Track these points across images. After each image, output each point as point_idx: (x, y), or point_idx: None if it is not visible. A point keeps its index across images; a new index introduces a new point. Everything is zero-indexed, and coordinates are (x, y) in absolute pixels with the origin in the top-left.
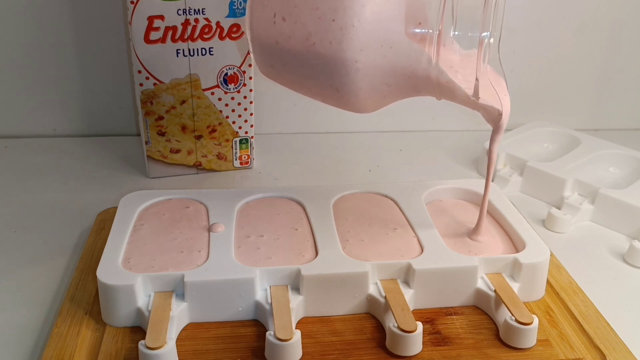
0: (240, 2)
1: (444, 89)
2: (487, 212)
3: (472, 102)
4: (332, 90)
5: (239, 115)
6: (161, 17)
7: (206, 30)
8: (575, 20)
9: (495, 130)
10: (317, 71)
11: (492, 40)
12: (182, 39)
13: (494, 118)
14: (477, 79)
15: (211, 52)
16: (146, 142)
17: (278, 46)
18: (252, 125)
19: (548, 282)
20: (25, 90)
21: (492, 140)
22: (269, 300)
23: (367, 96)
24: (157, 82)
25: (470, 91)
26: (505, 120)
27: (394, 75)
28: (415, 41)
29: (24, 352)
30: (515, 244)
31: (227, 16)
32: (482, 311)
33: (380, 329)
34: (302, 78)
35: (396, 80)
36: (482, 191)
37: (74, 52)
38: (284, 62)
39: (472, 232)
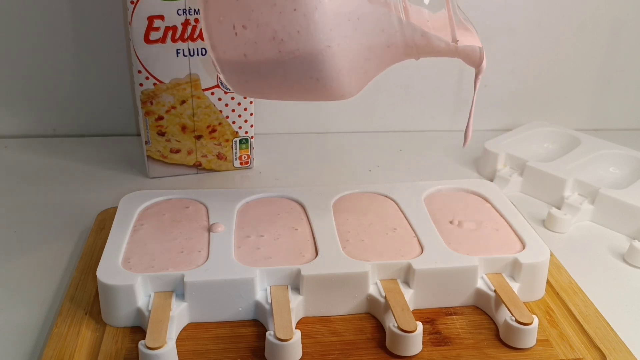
0: None
1: (421, 46)
2: (489, 210)
3: (452, 49)
4: (313, 82)
5: (239, 115)
6: (161, 17)
7: None
8: (575, 20)
9: (478, 72)
10: (293, 68)
11: None
12: (182, 39)
13: (475, 58)
14: (451, 20)
15: None
16: (146, 142)
17: (247, 58)
18: (252, 125)
19: (548, 282)
20: (25, 90)
21: (475, 81)
22: (269, 300)
23: (349, 77)
24: (157, 82)
25: (448, 38)
26: (484, 59)
27: (370, 47)
28: (380, 7)
29: (24, 352)
30: (516, 242)
31: None
32: (482, 311)
33: (380, 329)
34: (281, 82)
35: (374, 52)
36: (482, 191)
37: (74, 52)
38: (257, 73)
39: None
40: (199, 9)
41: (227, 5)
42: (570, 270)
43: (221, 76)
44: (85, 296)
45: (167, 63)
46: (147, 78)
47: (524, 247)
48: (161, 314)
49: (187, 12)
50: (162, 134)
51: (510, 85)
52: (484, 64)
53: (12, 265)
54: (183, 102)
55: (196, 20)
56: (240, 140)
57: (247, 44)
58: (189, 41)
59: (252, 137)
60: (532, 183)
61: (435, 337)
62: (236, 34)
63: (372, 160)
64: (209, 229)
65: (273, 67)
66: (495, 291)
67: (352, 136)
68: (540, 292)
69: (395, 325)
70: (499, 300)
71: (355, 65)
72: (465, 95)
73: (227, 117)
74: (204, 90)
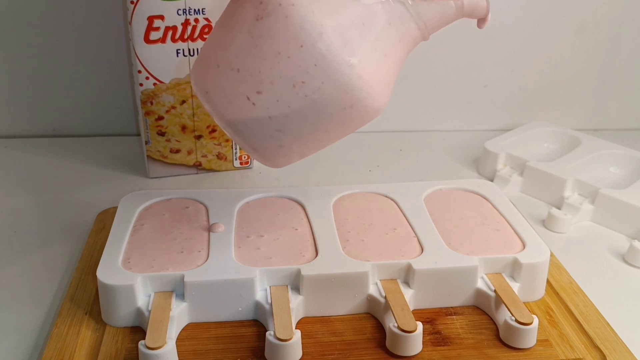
0: None
1: (429, 19)
2: (489, 210)
3: (459, 10)
4: (348, 111)
5: None
6: (161, 17)
7: (206, 30)
8: (575, 20)
9: (483, 21)
10: (325, 107)
11: None
12: (182, 39)
13: (482, 9)
14: None
15: None
16: (146, 142)
17: (273, 120)
18: None
19: (548, 282)
20: (25, 90)
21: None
22: (269, 300)
23: (379, 88)
24: (157, 82)
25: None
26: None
27: (387, 46)
28: (376, 2)
29: (24, 352)
30: (516, 242)
31: None
32: (482, 311)
33: (380, 329)
34: (315, 128)
35: (390, 49)
36: (482, 191)
37: (74, 52)
38: (289, 131)
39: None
40: (200, 100)
41: (231, 82)
42: (570, 270)
43: (256, 157)
44: (85, 296)
45: (167, 63)
46: (147, 78)
47: (524, 247)
48: (161, 314)
49: (187, 12)
50: (162, 134)
51: (510, 85)
52: (489, 15)
53: (12, 265)
54: (183, 102)
55: (196, 20)
56: None
57: (269, 106)
58: (189, 41)
59: None
60: (532, 183)
61: (435, 337)
62: (254, 103)
63: (372, 160)
64: (209, 229)
65: (303, 115)
66: (495, 291)
67: (352, 136)
68: (540, 292)
69: (396, 325)
70: (499, 300)
71: (378, 73)
72: (465, 95)
73: None
74: None
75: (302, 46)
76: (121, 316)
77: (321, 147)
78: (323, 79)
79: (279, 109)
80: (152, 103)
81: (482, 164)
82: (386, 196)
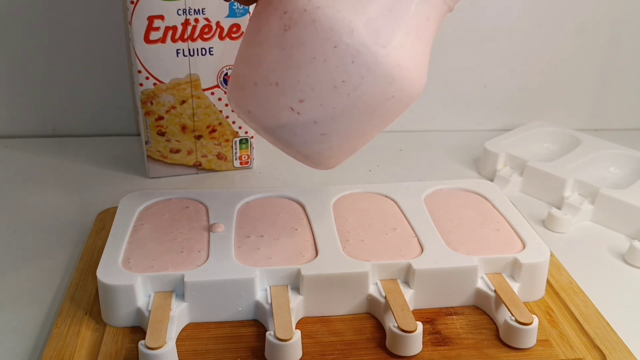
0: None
1: None
2: (489, 210)
3: None
4: (392, 101)
5: None
6: (161, 17)
7: (206, 30)
8: (575, 20)
9: None
10: (368, 101)
11: None
12: (182, 39)
13: None
14: None
15: (211, 52)
16: (146, 142)
17: (318, 123)
18: None
19: (548, 282)
20: (25, 90)
21: None
22: (269, 300)
23: (417, 72)
24: (157, 82)
25: None
26: None
27: (417, 27)
28: None
29: (24, 352)
30: (516, 242)
31: (227, 16)
32: (482, 311)
33: (380, 329)
34: (361, 124)
35: (421, 30)
36: (482, 191)
37: (73, 52)
38: (336, 131)
39: None
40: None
41: (272, 97)
42: (570, 270)
43: (308, 163)
44: (85, 296)
45: (167, 63)
46: (147, 78)
47: (524, 247)
48: (161, 314)
49: (187, 12)
50: (162, 134)
51: (510, 85)
52: None
53: (12, 265)
54: (183, 102)
55: (196, 20)
56: (240, 140)
57: (314, 112)
58: (189, 41)
59: (252, 137)
60: (532, 183)
61: (435, 337)
62: (298, 113)
63: (372, 160)
64: (209, 229)
65: (349, 114)
66: (495, 291)
67: None
68: (540, 292)
69: (396, 325)
70: (499, 300)
71: (414, 57)
72: (465, 95)
73: (227, 117)
74: (204, 90)
75: (335, 47)
76: (121, 316)
77: (367, 142)
78: (362, 74)
79: (324, 112)
80: (152, 103)
81: (482, 164)
82: (386, 196)
